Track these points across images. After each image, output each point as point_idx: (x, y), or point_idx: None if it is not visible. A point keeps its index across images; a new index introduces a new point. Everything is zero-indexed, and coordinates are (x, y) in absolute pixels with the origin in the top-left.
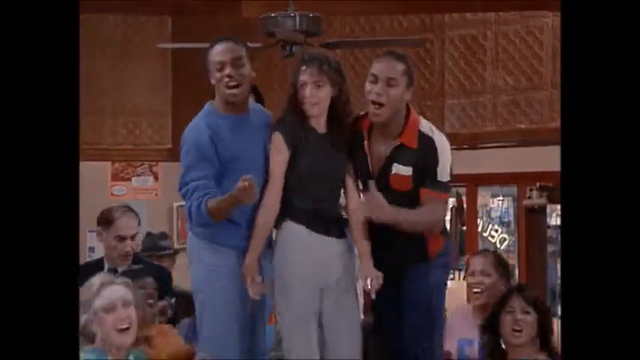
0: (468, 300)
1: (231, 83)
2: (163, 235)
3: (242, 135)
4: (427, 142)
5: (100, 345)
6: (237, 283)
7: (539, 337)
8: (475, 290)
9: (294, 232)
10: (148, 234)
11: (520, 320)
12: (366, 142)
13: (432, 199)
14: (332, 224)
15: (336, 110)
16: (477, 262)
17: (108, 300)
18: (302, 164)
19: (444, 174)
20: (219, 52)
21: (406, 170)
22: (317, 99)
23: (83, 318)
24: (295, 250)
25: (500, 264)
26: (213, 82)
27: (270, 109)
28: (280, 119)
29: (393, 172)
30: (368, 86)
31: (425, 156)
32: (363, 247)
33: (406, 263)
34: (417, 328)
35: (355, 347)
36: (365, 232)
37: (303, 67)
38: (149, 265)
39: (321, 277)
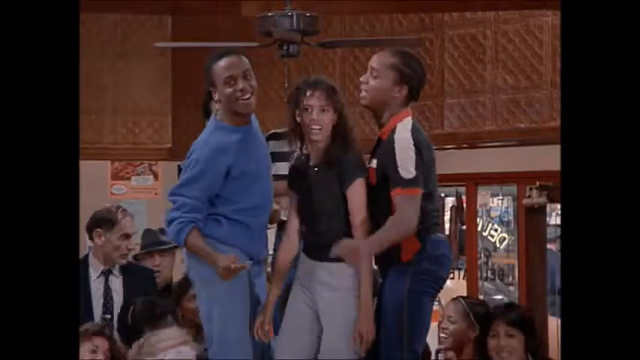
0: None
1: (245, 96)
2: (163, 231)
3: (249, 149)
4: (390, 138)
5: None
6: (240, 282)
7: (532, 356)
8: (441, 335)
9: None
10: (147, 230)
11: (504, 346)
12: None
13: (399, 198)
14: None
15: (337, 137)
16: (447, 308)
17: None
18: (302, 203)
19: (406, 171)
20: (227, 66)
21: (373, 163)
22: (322, 123)
23: None
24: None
25: (470, 312)
26: (217, 97)
27: (270, 109)
28: (294, 167)
29: (368, 166)
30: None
31: (385, 151)
32: (363, 285)
33: (382, 269)
34: (388, 339)
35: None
36: (368, 265)
37: (309, 92)
38: (134, 266)
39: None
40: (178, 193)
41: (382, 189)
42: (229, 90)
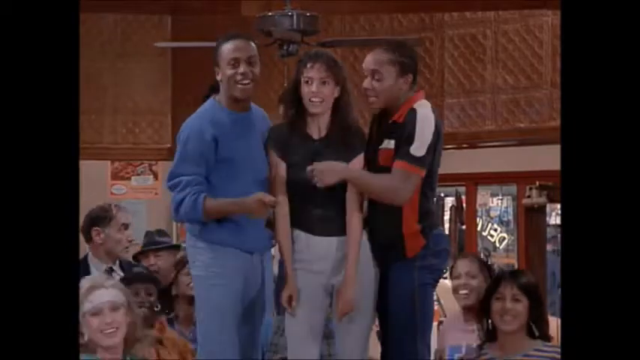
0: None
1: (245, 81)
2: (160, 232)
3: (242, 134)
4: (410, 115)
5: (88, 345)
6: (235, 282)
7: (533, 324)
8: (462, 292)
9: (301, 239)
10: (147, 233)
11: (509, 309)
12: (371, 127)
13: (398, 169)
14: (337, 225)
15: (339, 111)
16: (463, 265)
17: (94, 304)
18: (297, 176)
19: (416, 148)
20: (233, 48)
21: (390, 144)
22: (323, 95)
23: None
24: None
25: (485, 267)
26: (219, 78)
27: (270, 109)
28: (274, 131)
29: (380, 147)
30: (365, 81)
31: (405, 128)
32: (350, 257)
33: (385, 265)
34: (399, 332)
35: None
36: (357, 241)
37: (310, 64)
38: (134, 265)
39: (330, 274)
40: (177, 173)
41: None
42: (231, 72)
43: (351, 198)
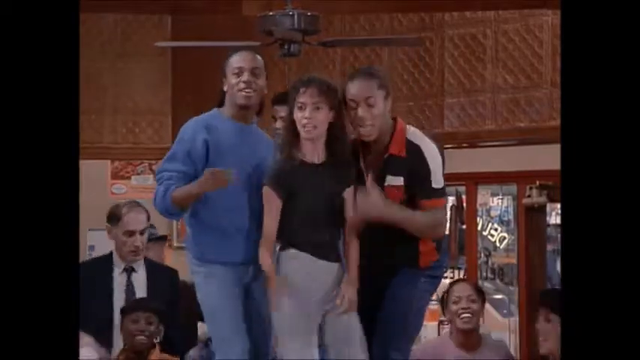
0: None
1: (247, 89)
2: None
3: (239, 144)
4: (415, 151)
5: None
6: (229, 288)
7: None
8: (465, 316)
9: (299, 258)
10: None
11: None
12: (361, 158)
13: (430, 207)
14: (333, 251)
15: (335, 136)
16: (462, 289)
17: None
18: (300, 203)
19: (437, 181)
20: (239, 59)
21: (398, 180)
22: (316, 121)
23: None
24: (298, 273)
25: (480, 292)
26: (225, 88)
27: (271, 108)
28: (273, 169)
29: (386, 184)
30: (351, 112)
31: (415, 165)
32: (351, 255)
33: (395, 267)
34: (390, 334)
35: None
36: (355, 242)
37: (302, 89)
38: (158, 266)
39: (324, 298)
40: (162, 169)
41: (409, 203)
42: (235, 80)
43: (351, 223)
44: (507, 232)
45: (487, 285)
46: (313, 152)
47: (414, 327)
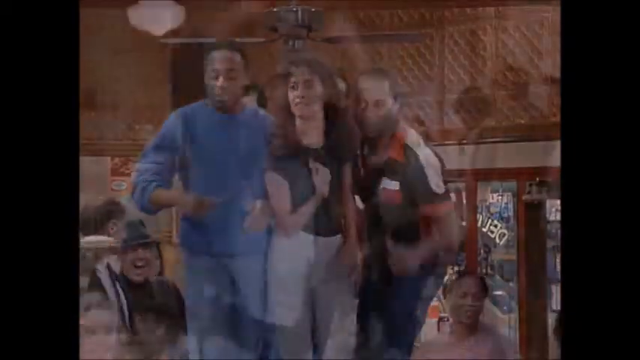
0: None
1: (222, 95)
2: (142, 223)
3: (225, 134)
4: (413, 157)
5: None
6: (206, 286)
7: None
8: (469, 311)
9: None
10: (129, 224)
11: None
12: (360, 158)
13: (438, 211)
14: (333, 227)
15: (333, 118)
16: (470, 285)
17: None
18: (301, 188)
19: (437, 186)
20: (216, 59)
21: (394, 185)
22: (309, 99)
23: None
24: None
25: (485, 287)
26: (206, 81)
27: None
28: (271, 154)
29: (382, 187)
30: (358, 109)
31: (412, 171)
32: (352, 236)
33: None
34: (394, 331)
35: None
36: (354, 224)
37: (293, 68)
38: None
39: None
40: (141, 160)
41: (408, 207)
42: (211, 83)
43: (346, 189)
44: (507, 228)
45: (487, 281)
46: (311, 135)
47: (417, 325)
